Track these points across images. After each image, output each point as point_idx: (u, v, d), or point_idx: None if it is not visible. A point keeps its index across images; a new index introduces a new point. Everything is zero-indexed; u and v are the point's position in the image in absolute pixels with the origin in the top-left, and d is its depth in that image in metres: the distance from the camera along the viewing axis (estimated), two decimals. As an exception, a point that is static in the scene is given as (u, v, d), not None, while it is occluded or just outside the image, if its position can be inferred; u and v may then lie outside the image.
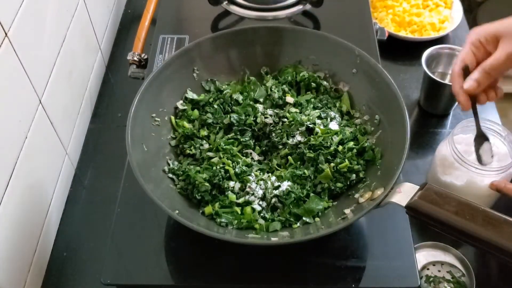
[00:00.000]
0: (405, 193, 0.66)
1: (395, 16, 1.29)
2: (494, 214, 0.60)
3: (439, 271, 0.88)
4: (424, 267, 0.88)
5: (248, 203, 0.75)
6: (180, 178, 0.78)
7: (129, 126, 0.74)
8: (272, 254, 0.75)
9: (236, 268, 0.75)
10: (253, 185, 0.76)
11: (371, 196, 0.70)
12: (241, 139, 0.81)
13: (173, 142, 0.83)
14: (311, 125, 0.80)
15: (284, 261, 0.75)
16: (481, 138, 0.88)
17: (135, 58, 1.05)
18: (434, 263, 0.89)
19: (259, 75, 0.91)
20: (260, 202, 0.75)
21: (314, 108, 0.84)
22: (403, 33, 1.26)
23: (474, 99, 0.85)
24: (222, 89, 0.88)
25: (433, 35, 1.25)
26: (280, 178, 0.77)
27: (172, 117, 0.84)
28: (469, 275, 0.87)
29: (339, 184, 0.76)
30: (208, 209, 0.74)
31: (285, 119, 0.83)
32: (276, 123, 0.83)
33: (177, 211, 0.69)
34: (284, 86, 0.87)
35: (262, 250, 0.76)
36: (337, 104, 0.86)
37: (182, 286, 0.75)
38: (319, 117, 0.82)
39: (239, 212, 0.74)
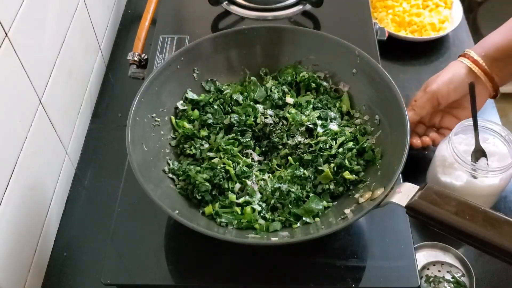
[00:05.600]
0: (405, 193, 0.66)
1: (395, 16, 1.29)
2: (494, 214, 0.60)
3: (439, 271, 0.88)
4: (424, 267, 0.88)
5: (248, 203, 0.75)
6: (180, 178, 0.78)
7: (129, 126, 0.74)
8: (272, 254, 0.76)
9: (236, 268, 0.75)
10: (253, 185, 0.76)
11: (371, 196, 0.70)
12: (241, 140, 0.81)
13: (173, 142, 0.83)
14: (311, 126, 0.80)
15: (284, 261, 0.75)
16: (478, 153, 0.89)
17: (135, 58, 1.05)
18: (434, 263, 0.89)
19: (259, 75, 0.91)
20: (260, 202, 0.75)
21: (314, 108, 0.84)
22: (403, 33, 1.26)
23: (475, 112, 0.88)
24: (222, 89, 0.88)
25: (433, 35, 1.25)
26: (280, 179, 0.77)
27: (172, 117, 0.84)
28: (469, 275, 0.87)
29: (340, 189, 0.76)
30: (208, 209, 0.74)
31: (285, 120, 0.83)
32: (276, 124, 0.83)
33: (177, 211, 0.69)
34: (284, 86, 0.87)
35: (262, 250, 0.76)
36: (337, 104, 0.86)
37: (182, 286, 0.75)
38: (319, 118, 0.82)
39: (239, 212, 0.74)
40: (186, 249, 0.76)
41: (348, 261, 0.75)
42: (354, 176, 0.76)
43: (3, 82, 0.76)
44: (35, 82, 0.86)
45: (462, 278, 0.87)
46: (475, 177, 0.88)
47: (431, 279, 0.87)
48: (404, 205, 0.64)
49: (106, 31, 1.23)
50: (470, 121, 0.91)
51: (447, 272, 0.88)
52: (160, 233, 0.78)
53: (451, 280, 0.87)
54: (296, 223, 0.73)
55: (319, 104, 0.85)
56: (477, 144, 0.90)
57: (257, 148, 0.83)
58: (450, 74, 0.95)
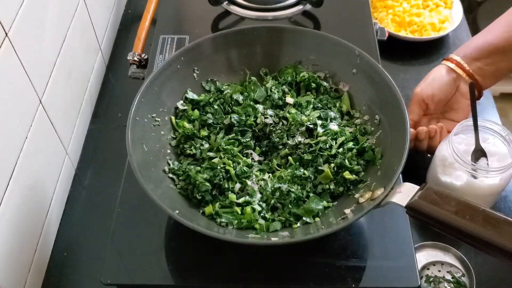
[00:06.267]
0: (405, 193, 0.66)
1: (395, 16, 1.29)
2: (494, 214, 0.60)
3: (439, 271, 0.88)
4: (424, 267, 0.88)
5: (248, 203, 0.75)
6: (180, 178, 0.78)
7: (129, 126, 0.74)
8: (272, 254, 0.76)
9: (236, 268, 0.75)
10: (253, 185, 0.76)
11: (371, 196, 0.70)
12: (242, 140, 0.81)
13: (173, 142, 0.83)
14: (311, 126, 0.80)
15: (284, 261, 0.75)
16: (478, 153, 0.90)
17: (135, 58, 1.05)
18: (434, 263, 0.89)
19: (259, 75, 0.91)
20: (260, 202, 0.75)
21: (314, 108, 0.84)
22: (403, 33, 1.26)
23: (475, 112, 0.88)
24: (222, 89, 0.88)
25: (433, 35, 1.25)
26: (280, 179, 0.77)
27: (173, 117, 0.84)
28: (469, 275, 0.87)
29: (340, 189, 0.76)
30: (208, 209, 0.74)
31: (285, 120, 0.83)
32: (276, 124, 0.83)
33: (177, 211, 0.69)
34: (284, 86, 0.87)
35: (262, 250, 0.76)
36: (337, 104, 0.86)
37: (182, 286, 0.75)
38: (319, 118, 0.82)
39: (239, 212, 0.74)
40: (186, 249, 0.76)
41: (348, 261, 0.75)
42: (354, 176, 0.76)
43: (3, 82, 0.76)
44: (35, 82, 0.86)
45: (462, 278, 0.87)
46: (475, 177, 0.88)
47: (431, 279, 0.87)
48: (404, 205, 0.64)
49: (106, 31, 1.23)
50: (470, 121, 0.91)
51: (447, 272, 0.88)
52: (160, 233, 0.78)
53: (451, 280, 0.87)
54: (296, 223, 0.73)
55: (319, 104, 0.85)
56: (477, 144, 0.90)
57: (257, 148, 0.83)
58: (431, 75, 0.99)
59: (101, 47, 1.20)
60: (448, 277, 0.87)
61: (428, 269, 0.88)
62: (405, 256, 0.74)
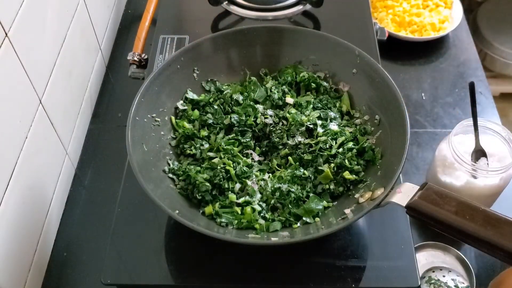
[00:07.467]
0: (405, 193, 0.66)
1: (395, 16, 1.29)
2: (494, 214, 0.60)
3: (444, 276, 0.87)
4: (429, 270, 0.88)
5: (248, 203, 0.75)
6: (180, 178, 0.78)
7: (129, 126, 0.74)
8: (272, 254, 0.76)
9: (236, 268, 0.75)
10: (253, 185, 0.76)
11: (371, 196, 0.70)
12: (242, 140, 0.81)
13: (173, 142, 0.83)
14: (311, 126, 0.80)
15: (284, 261, 0.75)
16: (478, 153, 0.90)
17: (135, 58, 1.05)
18: (441, 268, 0.88)
19: (259, 75, 0.91)
20: (260, 202, 0.75)
21: (314, 108, 0.84)
22: (403, 33, 1.26)
23: (475, 113, 0.87)
24: (222, 89, 0.88)
25: (433, 35, 1.25)
26: (280, 179, 0.77)
27: (173, 117, 0.84)
28: (469, 275, 0.87)
29: (340, 189, 0.76)
30: (208, 209, 0.74)
31: (285, 120, 0.83)
32: (276, 124, 0.83)
33: (177, 211, 0.69)
34: (284, 86, 0.87)
35: (262, 250, 0.76)
36: (337, 104, 0.86)
37: (182, 286, 0.75)
38: (319, 118, 0.82)
39: (239, 212, 0.74)
40: (186, 249, 0.76)
41: (348, 261, 0.75)
42: (354, 176, 0.76)
43: (3, 82, 0.76)
44: (35, 82, 0.86)
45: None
46: (475, 177, 0.88)
47: (432, 281, 0.87)
48: (404, 205, 0.64)
49: (106, 31, 1.23)
50: (470, 121, 0.91)
51: (452, 279, 0.87)
52: (160, 233, 0.78)
53: (453, 286, 0.86)
54: (296, 223, 0.73)
55: (319, 104, 0.85)
56: (477, 144, 0.90)
57: (257, 148, 0.83)
58: None
59: (101, 47, 1.20)
60: (451, 283, 0.86)
61: (433, 271, 0.88)
62: (405, 256, 0.74)
